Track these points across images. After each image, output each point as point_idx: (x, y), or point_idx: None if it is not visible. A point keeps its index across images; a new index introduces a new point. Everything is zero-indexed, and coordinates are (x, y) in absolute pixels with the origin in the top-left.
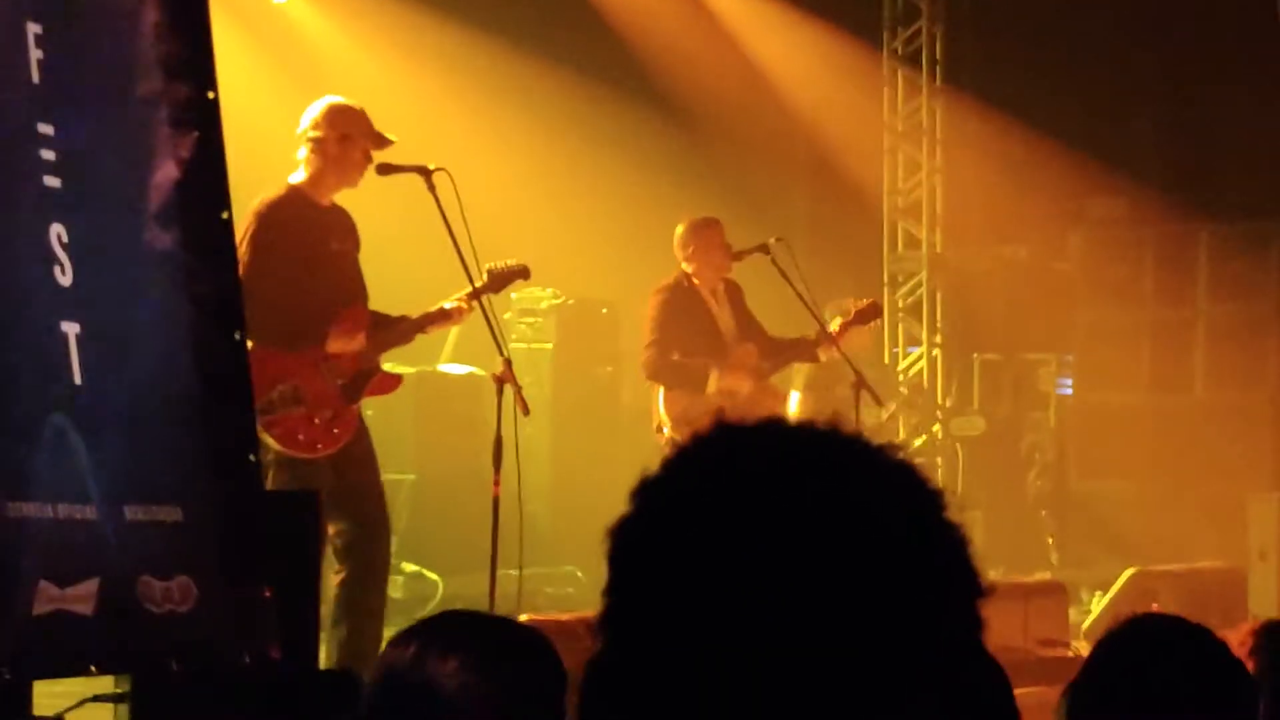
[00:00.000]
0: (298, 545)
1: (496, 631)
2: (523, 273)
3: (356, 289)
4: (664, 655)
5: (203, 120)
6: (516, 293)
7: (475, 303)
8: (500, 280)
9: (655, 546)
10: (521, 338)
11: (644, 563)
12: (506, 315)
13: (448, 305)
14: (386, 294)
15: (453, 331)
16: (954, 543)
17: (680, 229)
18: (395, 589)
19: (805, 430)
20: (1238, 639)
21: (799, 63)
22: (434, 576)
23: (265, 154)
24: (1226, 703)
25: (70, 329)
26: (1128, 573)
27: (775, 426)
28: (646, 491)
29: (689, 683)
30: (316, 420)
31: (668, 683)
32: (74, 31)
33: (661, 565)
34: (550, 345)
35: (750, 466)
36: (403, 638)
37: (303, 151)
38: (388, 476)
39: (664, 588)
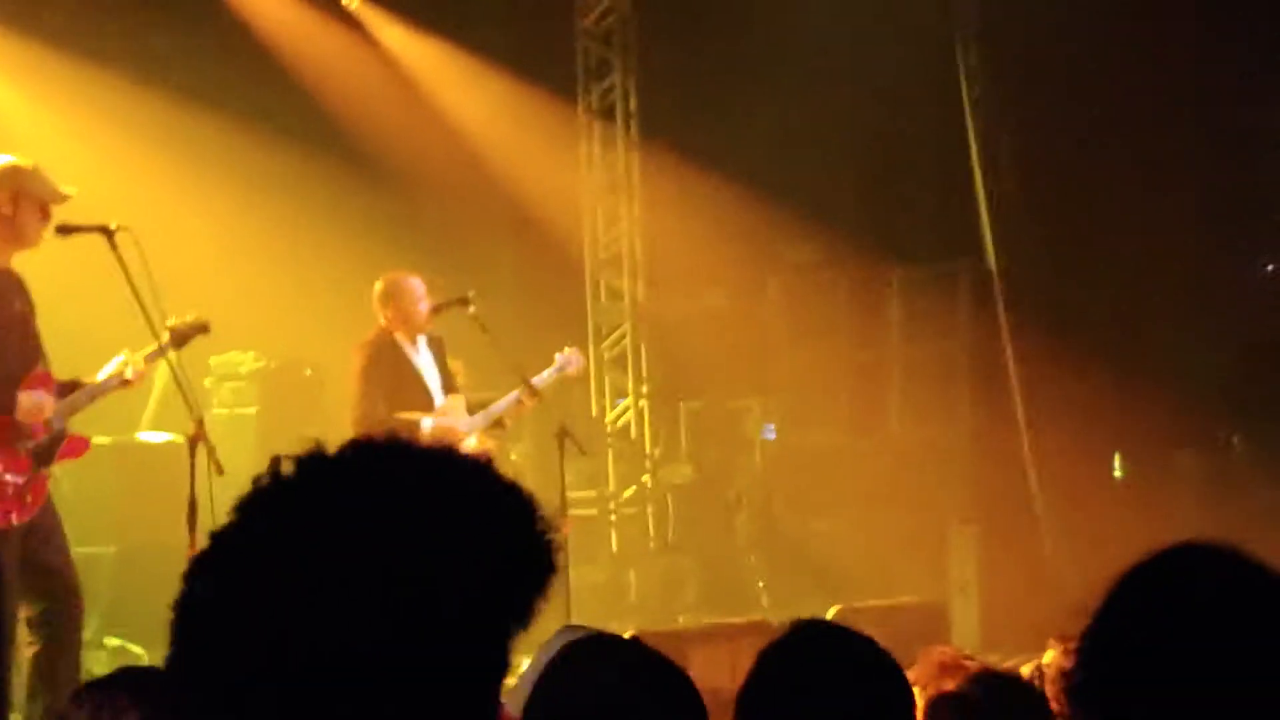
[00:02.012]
0: None
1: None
2: (202, 328)
3: (37, 353)
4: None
5: None
6: (215, 358)
7: (158, 361)
8: (181, 337)
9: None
10: (223, 403)
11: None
12: (207, 381)
13: (128, 374)
14: (68, 356)
15: (152, 399)
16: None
17: (379, 285)
18: (99, 664)
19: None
20: (1029, 671)
21: (497, 118)
22: (138, 650)
23: None
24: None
25: None
26: (832, 611)
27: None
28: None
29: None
30: (9, 489)
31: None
32: None
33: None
34: (253, 410)
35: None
36: (79, 694)
37: None
38: (89, 549)
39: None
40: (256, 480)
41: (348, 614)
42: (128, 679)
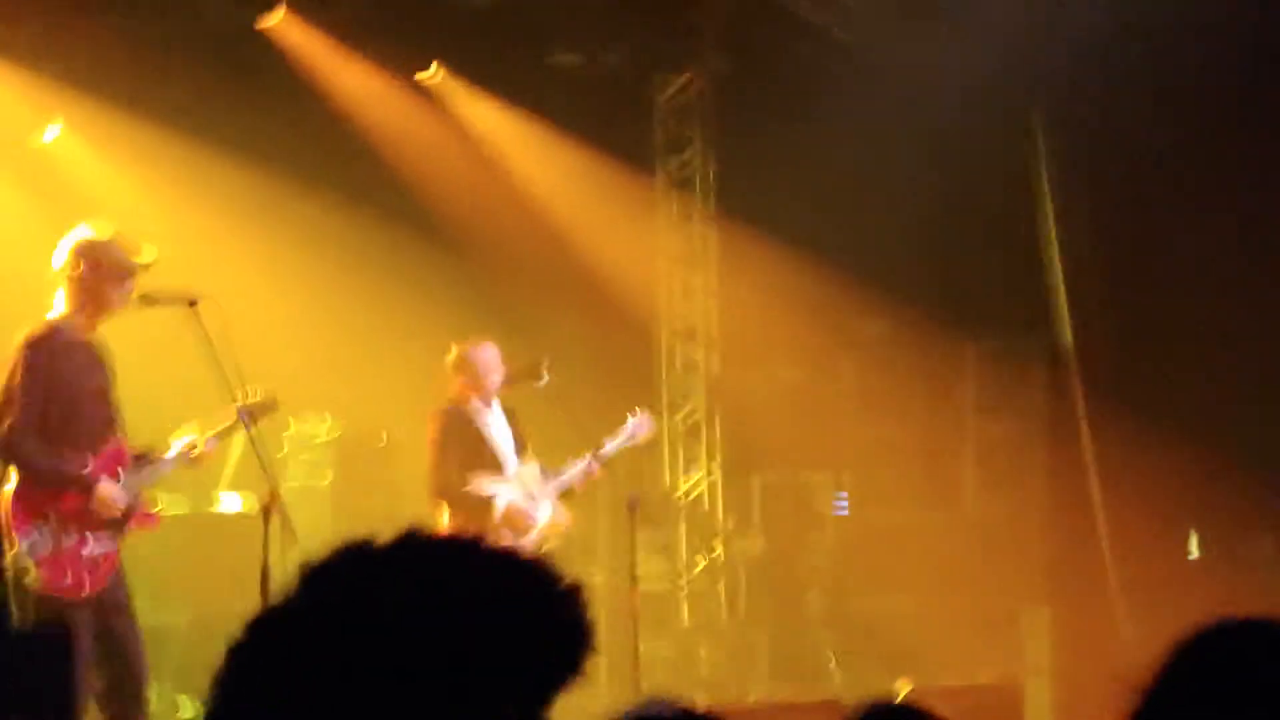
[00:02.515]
0: (51, 682)
1: None
2: (271, 406)
3: (114, 423)
4: None
5: None
6: (291, 429)
7: (229, 437)
8: (250, 415)
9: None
10: (298, 474)
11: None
12: (283, 453)
13: (194, 454)
14: (142, 420)
15: (228, 467)
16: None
17: (452, 354)
18: None
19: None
20: None
21: (573, 189)
22: None
23: (35, 290)
24: None
25: None
26: (903, 685)
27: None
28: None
29: None
30: (82, 559)
31: None
32: None
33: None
34: (328, 481)
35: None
36: None
37: (60, 291)
38: (162, 618)
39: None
40: (305, 567)
41: (381, 701)
42: None
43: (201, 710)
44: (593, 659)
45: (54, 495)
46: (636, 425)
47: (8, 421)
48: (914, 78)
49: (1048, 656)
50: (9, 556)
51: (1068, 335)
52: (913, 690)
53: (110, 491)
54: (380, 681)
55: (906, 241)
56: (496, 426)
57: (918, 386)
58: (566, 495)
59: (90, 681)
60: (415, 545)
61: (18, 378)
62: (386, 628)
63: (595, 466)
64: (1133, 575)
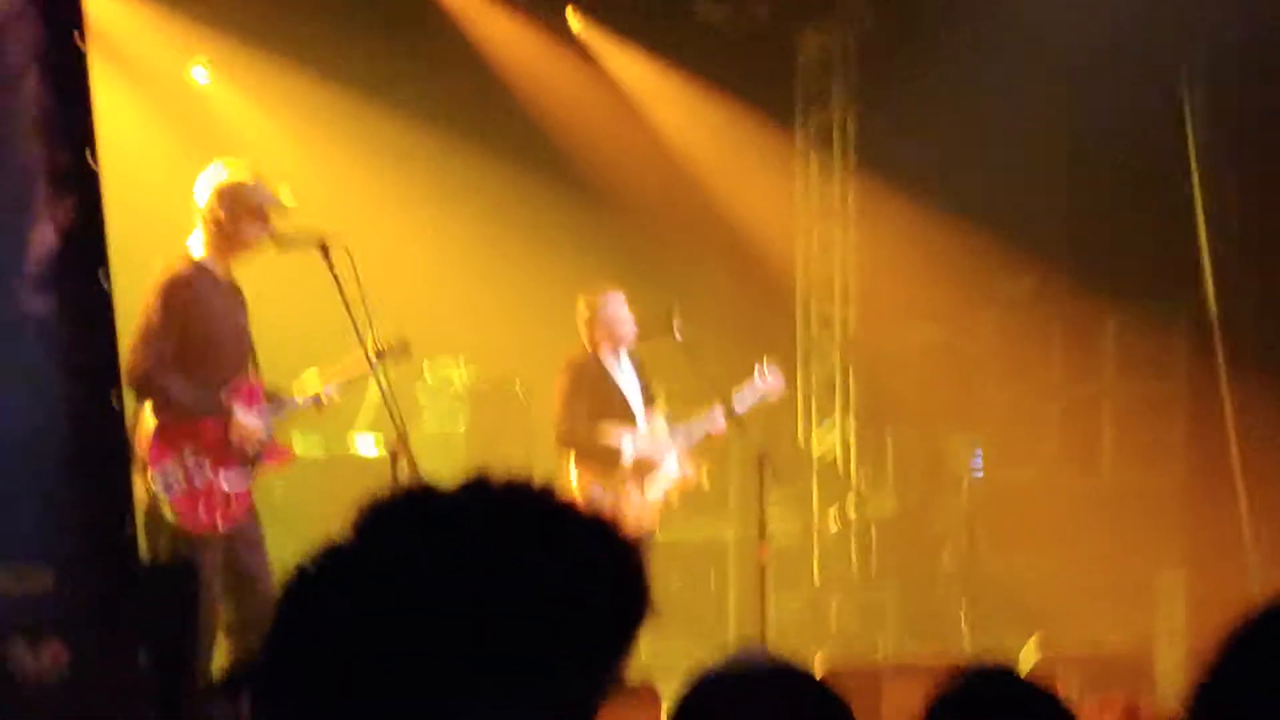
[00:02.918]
0: (177, 616)
1: None
2: (403, 350)
3: (251, 361)
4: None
5: (83, 187)
6: (426, 374)
7: (359, 380)
8: (384, 358)
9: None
10: (434, 420)
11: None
12: (420, 396)
13: (322, 398)
14: (271, 361)
15: (364, 407)
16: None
17: (581, 304)
18: None
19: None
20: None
21: (711, 139)
22: None
23: (177, 222)
24: None
25: None
26: (1033, 656)
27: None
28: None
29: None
30: (215, 495)
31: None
32: None
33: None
34: (463, 428)
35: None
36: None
37: (198, 229)
38: (291, 560)
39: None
40: (372, 504)
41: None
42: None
43: None
44: (655, 617)
45: (191, 430)
46: (765, 385)
47: (142, 355)
48: (1060, 34)
49: (1182, 620)
50: (142, 490)
51: (1212, 300)
52: (1040, 659)
53: (249, 420)
54: (429, 629)
55: (1050, 200)
56: (626, 377)
57: (1058, 347)
58: (695, 449)
59: (223, 615)
60: (478, 491)
61: (155, 313)
62: (442, 572)
63: (723, 422)
64: (1272, 542)
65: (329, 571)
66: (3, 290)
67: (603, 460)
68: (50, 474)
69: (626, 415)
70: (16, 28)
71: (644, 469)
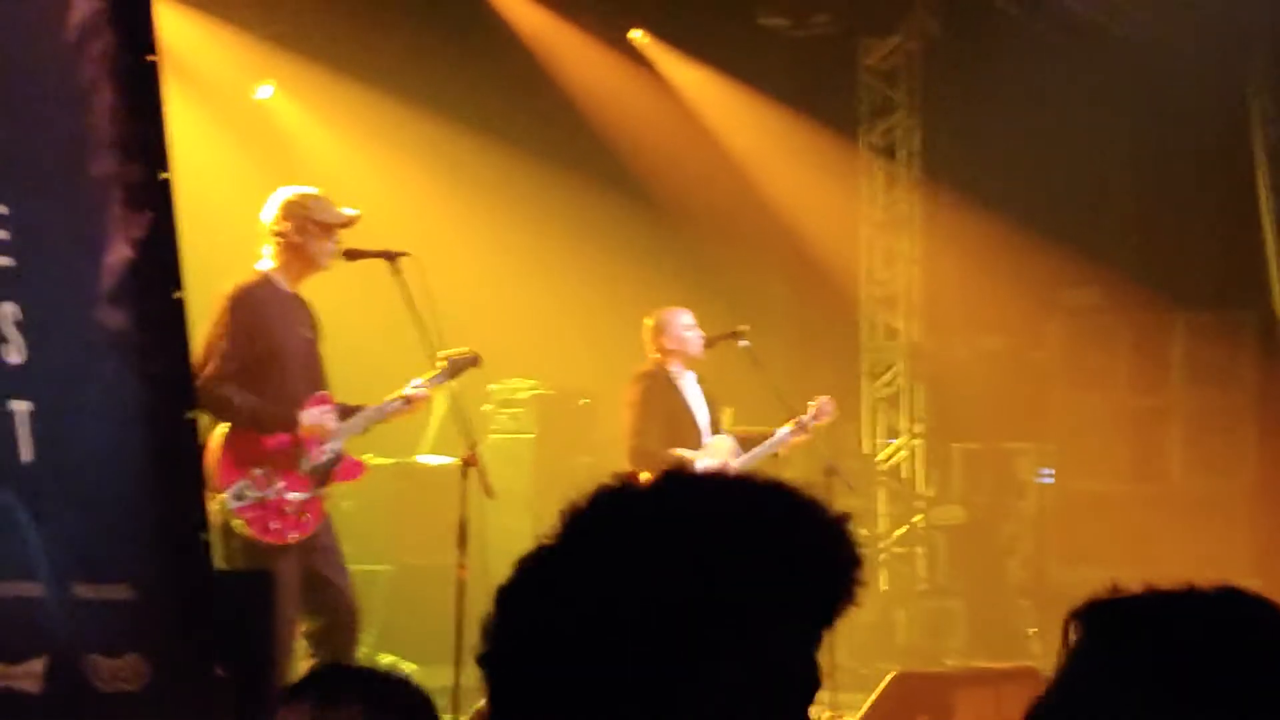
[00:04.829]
0: (253, 626)
1: (384, 685)
2: (474, 361)
3: (320, 378)
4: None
5: (156, 201)
6: (495, 384)
7: (434, 389)
8: (455, 368)
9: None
10: (502, 429)
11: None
12: (486, 407)
13: (406, 391)
14: (346, 379)
15: (432, 422)
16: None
17: (649, 320)
18: None
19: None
20: None
21: (775, 153)
22: (411, 667)
23: (245, 239)
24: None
25: (20, 407)
26: None
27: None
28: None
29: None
30: (287, 507)
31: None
32: (28, 111)
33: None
34: (531, 436)
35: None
36: (301, 686)
37: (267, 246)
38: (364, 567)
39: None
40: (577, 504)
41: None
42: (349, 675)
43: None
44: (862, 589)
45: (261, 443)
46: (819, 410)
47: (209, 369)
48: (1126, 42)
49: None
50: (215, 503)
51: (1279, 307)
52: None
53: (317, 417)
54: (645, 618)
55: (1116, 209)
56: (693, 394)
57: (1125, 356)
58: (758, 462)
59: (301, 625)
60: (677, 481)
61: (222, 327)
62: (650, 562)
63: (790, 438)
64: None
65: (538, 573)
66: (79, 304)
67: None
68: (127, 486)
69: (695, 430)
70: (90, 45)
71: None
